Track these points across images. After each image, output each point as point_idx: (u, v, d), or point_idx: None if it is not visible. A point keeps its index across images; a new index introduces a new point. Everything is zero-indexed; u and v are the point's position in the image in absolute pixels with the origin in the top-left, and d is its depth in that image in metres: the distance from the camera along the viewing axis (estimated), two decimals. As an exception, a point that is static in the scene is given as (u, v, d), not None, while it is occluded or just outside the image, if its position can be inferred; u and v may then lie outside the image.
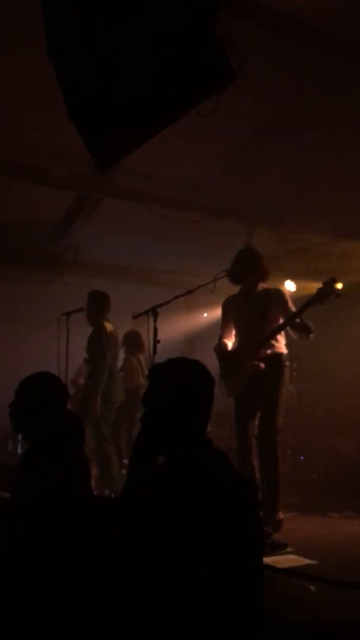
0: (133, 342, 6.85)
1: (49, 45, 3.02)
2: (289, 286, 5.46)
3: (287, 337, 4.62)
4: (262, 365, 4.42)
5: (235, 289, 4.83)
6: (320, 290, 4.29)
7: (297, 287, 4.70)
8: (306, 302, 4.32)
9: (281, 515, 4.36)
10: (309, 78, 5.05)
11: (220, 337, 4.81)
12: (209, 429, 6.61)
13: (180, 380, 1.86)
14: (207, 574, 1.60)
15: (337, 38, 4.61)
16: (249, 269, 4.62)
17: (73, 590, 1.98)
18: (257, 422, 4.58)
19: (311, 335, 4.39)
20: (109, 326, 5.79)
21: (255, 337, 4.51)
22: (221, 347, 4.76)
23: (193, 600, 1.60)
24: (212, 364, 6.76)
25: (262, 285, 4.67)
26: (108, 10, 2.79)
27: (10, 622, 2.12)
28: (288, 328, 4.47)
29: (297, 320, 4.34)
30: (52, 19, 3.00)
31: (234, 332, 4.77)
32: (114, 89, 2.87)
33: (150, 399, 1.87)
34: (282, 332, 4.55)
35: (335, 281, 4.28)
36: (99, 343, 5.69)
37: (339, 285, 4.28)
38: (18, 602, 2.15)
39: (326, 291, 4.25)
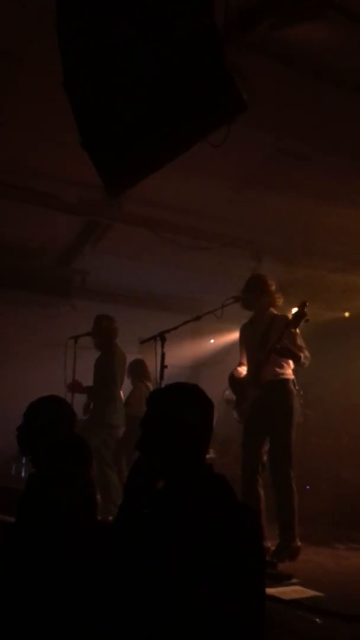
0: (139, 370, 6.83)
1: (64, 75, 3.10)
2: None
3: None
4: (260, 391, 4.42)
5: (249, 315, 4.86)
6: (294, 315, 4.36)
7: (304, 315, 4.73)
8: (283, 329, 4.35)
9: (298, 542, 4.31)
10: (317, 110, 5.13)
11: (239, 364, 4.82)
12: (211, 455, 6.57)
13: (177, 405, 1.85)
14: (205, 602, 1.58)
15: (345, 71, 4.70)
16: (258, 295, 4.64)
17: (76, 615, 1.96)
18: (266, 449, 4.56)
19: (302, 361, 4.37)
20: (119, 352, 5.80)
21: (256, 363, 4.53)
22: (232, 374, 4.78)
23: (190, 630, 1.57)
24: (219, 389, 6.79)
25: (271, 311, 4.68)
26: (122, 42, 2.87)
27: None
28: None
29: (279, 346, 4.32)
30: (68, 50, 3.09)
31: None
32: (127, 118, 2.94)
33: (149, 424, 1.87)
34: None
35: (305, 305, 4.32)
36: (110, 369, 5.70)
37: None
38: (20, 626, 2.13)
39: (299, 314, 4.31)
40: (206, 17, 2.69)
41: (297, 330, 4.52)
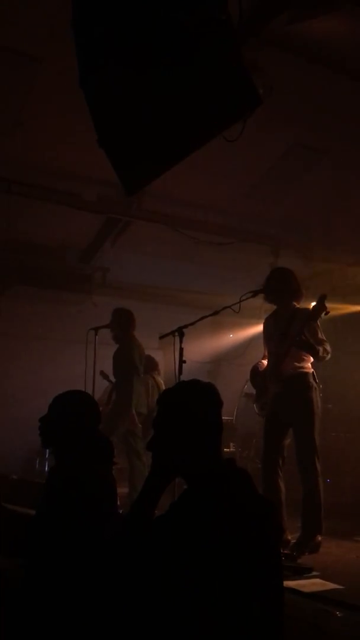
0: (146, 363, 6.86)
1: (80, 74, 3.14)
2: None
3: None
4: (280, 385, 4.43)
5: (268, 309, 4.86)
6: (313, 308, 4.35)
7: (323, 309, 4.71)
8: (303, 322, 4.35)
9: (319, 537, 4.31)
10: (335, 103, 5.12)
11: (263, 356, 4.83)
12: (233, 449, 6.50)
13: (182, 403, 1.87)
14: (224, 596, 1.60)
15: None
16: (280, 289, 4.63)
17: (96, 607, 1.99)
18: (286, 442, 4.56)
19: (320, 355, 4.35)
20: (137, 342, 5.86)
21: (276, 357, 4.54)
22: (254, 367, 4.78)
23: (210, 623, 1.59)
24: (239, 384, 6.80)
25: (294, 305, 4.66)
26: (136, 40, 2.89)
27: (28, 635, 2.14)
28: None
29: (298, 339, 4.29)
30: (83, 49, 3.12)
31: None
32: (142, 115, 2.96)
33: (159, 423, 1.89)
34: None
35: (325, 299, 4.30)
36: (130, 359, 5.77)
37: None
38: (41, 617, 2.17)
39: (317, 308, 4.30)
40: (220, 13, 2.69)
41: (318, 324, 4.51)
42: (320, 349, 4.35)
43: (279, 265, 6.81)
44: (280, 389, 4.48)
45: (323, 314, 4.30)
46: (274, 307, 4.83)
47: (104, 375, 5.92)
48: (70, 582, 2.20)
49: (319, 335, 4.47)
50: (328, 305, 4.34)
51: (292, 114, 5.22)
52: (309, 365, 4.55)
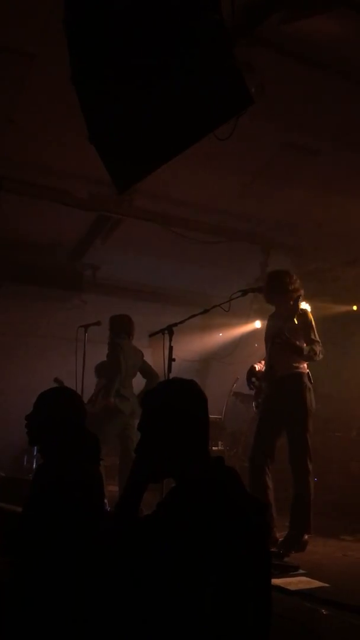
0: (100, 368, 6.86)
1: (72, 71, 3.13)
2: (304, 307, 5.50)
3: None
4: (274, 385, 4.45)
5: (259, 309, 4.89)
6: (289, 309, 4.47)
7: (312, 308, 4.72)
8: (283, 323, 4.42)
9: (306, 536, 4.34)
10: (327, 103, 5.13)
11: (263, 357, 4.86)
12: (220, 447, 6.52)
13: (164, 404, 1.87)
14: (214, 595, 1.60)
15: (355, 64, 4.70)
16: (278, 290, 4.64)
17: (81, 606, 1.99)
18: (278, 442, 4.58)
19: (306, 354, 4.38)
20: (120, 345, 5.86)
21: (269, 357, 4.56)
22: (251, 367, 4.80)
23: (199, 622, 1.59)
24: (228, 382, 6.82)
25: (291, 305, 4.66)
26: (129, 37, 2.89)
27: (17, 634, 2.14)
28: None
29: (282, 339, 4.33)
30: (75, 46, 3.12)
31: None
32: (134, 113, 2.97)
33: (144, 425, 1.88)
34: None
35: (299, 299, 4.45)
36: (109, 363, 5.83)
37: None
38: (29, 614, 2.17)
39: (290, 309, 4.44)
40: (214, 12, 2.70)
41: (312, 324, 4.53)
42: (307, 348, 4.37)
43: (269, 264, 6.84)
44: (273, 389, 4.50)
45: (297, 314, 4.37)
46: (266, 307, 4.86)
47: (59, 381, 5.90)
48: (58, 580, 2.20)
49: (311, 335, 4.49)
50: (320, 305, 4.38)
51: (284, 114, 5.22)
52: (304, 365, 4.56)
